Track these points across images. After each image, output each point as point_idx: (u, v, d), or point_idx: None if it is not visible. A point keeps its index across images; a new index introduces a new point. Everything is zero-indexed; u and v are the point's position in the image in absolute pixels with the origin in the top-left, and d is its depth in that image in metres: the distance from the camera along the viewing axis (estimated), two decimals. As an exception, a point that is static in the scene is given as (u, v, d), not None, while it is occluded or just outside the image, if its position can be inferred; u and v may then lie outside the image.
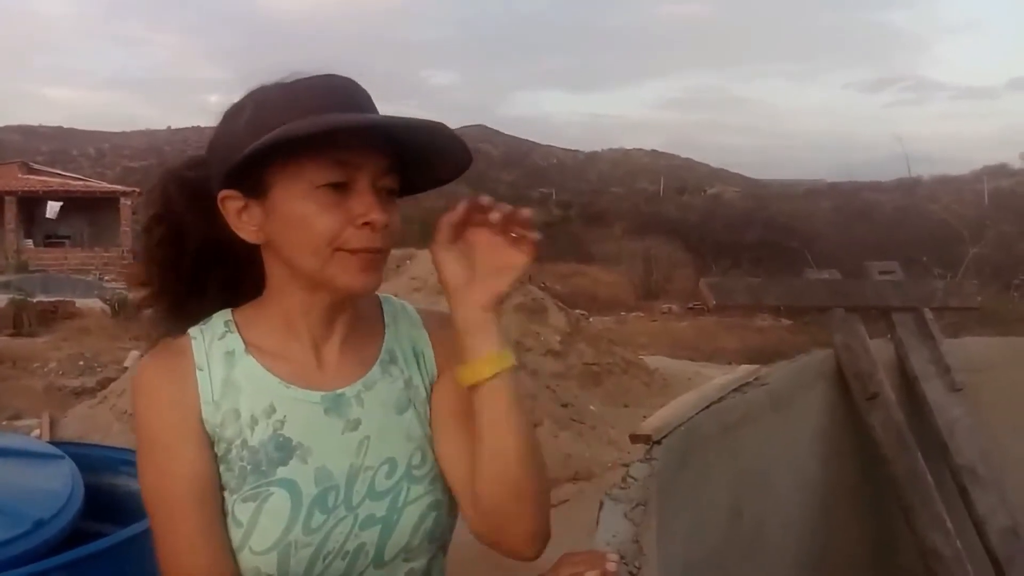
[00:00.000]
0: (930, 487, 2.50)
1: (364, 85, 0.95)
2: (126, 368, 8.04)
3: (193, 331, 0.98)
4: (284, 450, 0.94)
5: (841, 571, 2.48)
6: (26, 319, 11.26)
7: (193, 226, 0.98)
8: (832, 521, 2.49)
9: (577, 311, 10.10)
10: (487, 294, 0.93)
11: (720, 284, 2.93)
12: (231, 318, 1.00)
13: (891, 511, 2.57)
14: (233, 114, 0.95)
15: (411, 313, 1.08)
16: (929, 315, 2.79)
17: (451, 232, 0.93)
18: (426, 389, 1.03)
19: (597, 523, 1.18)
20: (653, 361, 9.13)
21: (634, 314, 17.06)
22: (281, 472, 0.93)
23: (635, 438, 1.55)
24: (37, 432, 6.44)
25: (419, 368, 1.04)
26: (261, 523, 0.92)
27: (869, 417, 2.58)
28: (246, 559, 0.92)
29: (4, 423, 6.96)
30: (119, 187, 27.83)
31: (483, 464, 0.95)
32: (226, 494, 0.94)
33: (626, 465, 1.45)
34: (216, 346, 0.97)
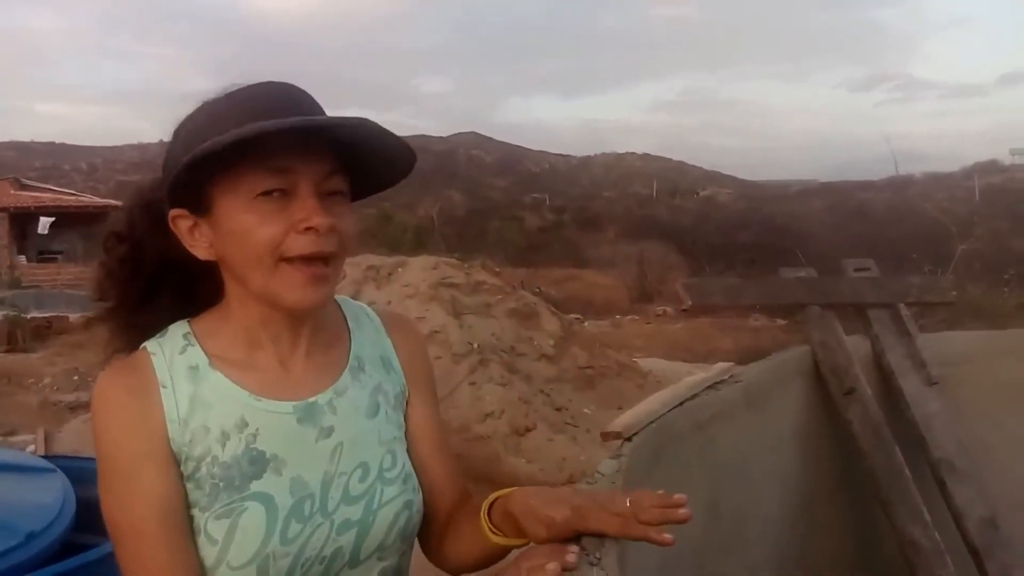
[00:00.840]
0: (908, 480, 2.53)
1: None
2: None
3: (150, 346, 0.96)
4: (258, 464, 0.93)
5: (821, 564, 2.51)
6: (20, 335, 11.29)
7: (152, 245, 0.98)
8: (812, 515, 2.51)
9: (571, 315, 10.14)
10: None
11: (697, 285, 2.96)
12: (189, 330, 0.98)
13: (870, 505, 2.60)
14: (177, 131, 0.94)
15: (372, 317, 1.09)
16: (905, 311, 2.82)
17: None
18: (395, 394, 1.06)
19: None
20: (648, 363, 9.16)
21: (629, 317, 17.10)
22: (255, 486, 0.92)
23: (606, 436, 1.58)
24: (32, 448, 6.45)
25: (387, 374, 1.06)
26: (237, 539, 0.91)
27: (846, 412, 2.61)
28: (223, 575, 0.91)
29: (-1, 439, 6.97)
30: (112, 201, 27.64)
31: (456, 558, 1.06)
32: (196, 512, 0.92)
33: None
34: (178, 361, 0.95)
